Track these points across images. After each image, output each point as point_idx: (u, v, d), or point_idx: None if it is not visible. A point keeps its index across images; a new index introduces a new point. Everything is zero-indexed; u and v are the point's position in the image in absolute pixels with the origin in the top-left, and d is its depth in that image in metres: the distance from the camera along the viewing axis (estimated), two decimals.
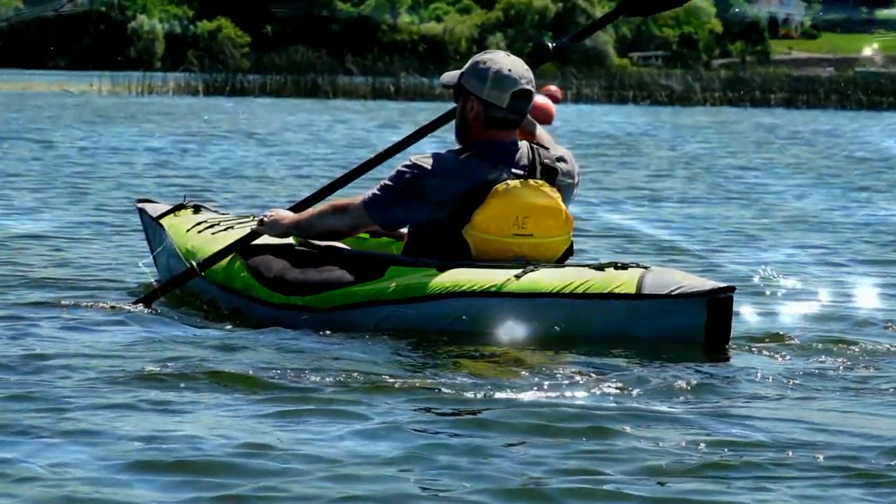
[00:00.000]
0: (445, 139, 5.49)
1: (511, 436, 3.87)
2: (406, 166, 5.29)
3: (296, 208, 5.67)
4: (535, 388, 4.42)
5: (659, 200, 11.67)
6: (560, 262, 5.30)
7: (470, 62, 5.36)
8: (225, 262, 5.62)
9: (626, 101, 38.98)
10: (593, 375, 4.60)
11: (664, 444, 3.78)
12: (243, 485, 3.39)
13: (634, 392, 4.39)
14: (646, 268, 5.09)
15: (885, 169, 16.29)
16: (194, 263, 5.66)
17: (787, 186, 13.44)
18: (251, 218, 6.02)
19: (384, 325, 5.20)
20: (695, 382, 4.55)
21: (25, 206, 9.99)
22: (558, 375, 4.60)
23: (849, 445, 3.82)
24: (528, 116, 5.35)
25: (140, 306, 5.67)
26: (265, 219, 5.60)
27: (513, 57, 5.34)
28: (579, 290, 5.01)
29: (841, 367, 4.88)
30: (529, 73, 5.31)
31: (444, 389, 4.37)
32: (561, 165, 5.37)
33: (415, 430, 3.90)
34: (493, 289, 5.06)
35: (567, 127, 24.12)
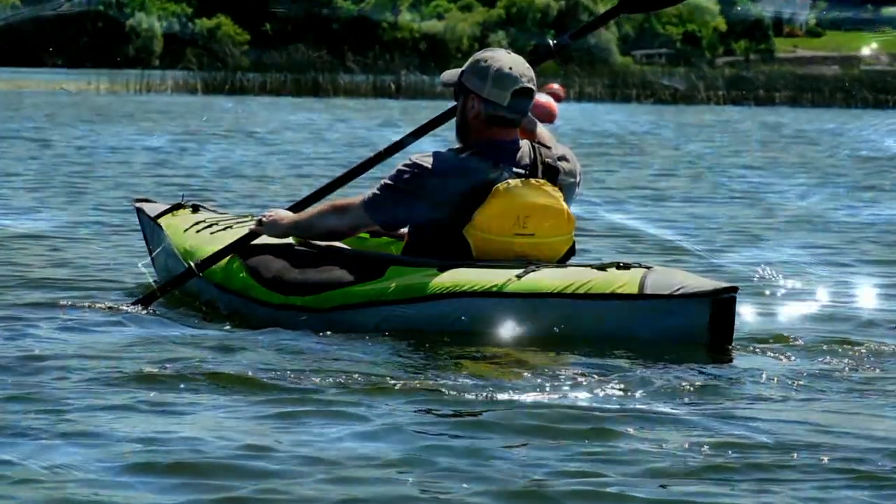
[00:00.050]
0: (447, 138, 5.49)
1: (512, 437, 3.88)
2: (406, 165, 5.29)
3: (295, 208, 5.68)
4: (537, 388, 4.43)
5: (662, 200, 11.67)
6: (562, 261, 5.30)
7: (470, 60, 5.36)
8: (223, 262, 5.62)
9: (629, 100, 38.96)
10: (595, 376, 4.61)
11: (667, 446, 3.78)
12: (243, 486, 3.39)
13: (637, 393, 4.39)
14: (648, 268, 5.09)
15: (891, 168, 16.28)
16: (192, 264, 5.66)
17: (792, 186, 13.44)
18: (250, 218, 6.02)
19: (384, 325, 5.20)
20: (698, 383, 4.56)
21: (23, 205, 9.99)
22: (560, 376, 4.61)
23: (854, 447, 3.82)
24: (529, 115, 5.36)
25: (138, 307, 5.68)
26: (264, 219, 5.60)
27: (513, 55, 5.34)
28: (581, 291, 5.01)
29: (845, 368, 4.87)
30: (530, 72, 5.32)
31: (444, 390, 4.38)
32: (563, 164, 5.38)
33: (415, 431, 3.90)
34: (494, 289, 5.06)
35: (569, 126, 24.11)
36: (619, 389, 4.43)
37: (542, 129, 5.44)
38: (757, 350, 5.14)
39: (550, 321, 5.04)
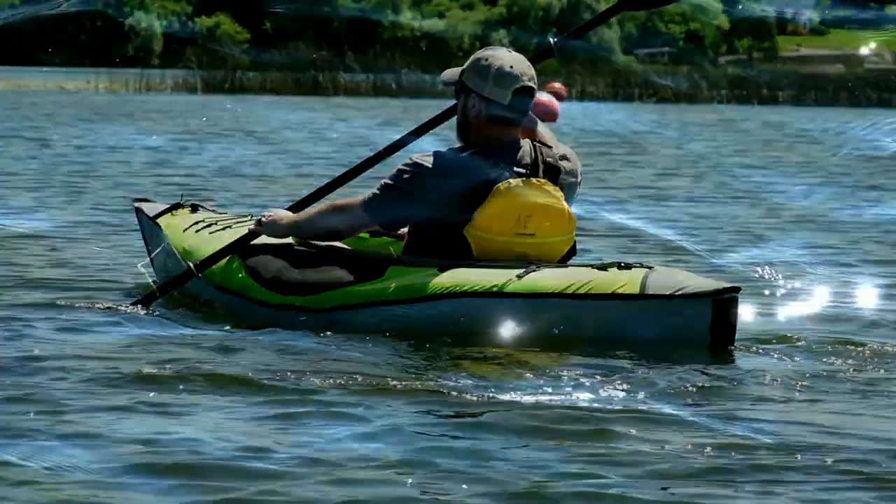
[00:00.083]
0: (447, 137, 5.49)
1: (513, 438, 3.88)
2: (406, 165, 5.30)
3: (294, 208, 5.68)
4: (538, 389, 4.43)
5: (664, 199, 11.67)
6: (563, 262, 5.31)
7: (471, 59, 5.36)
8: (223, 262, 5.63)
9: (631, 99, 38.93)
10: (596, 377, 4.61)
11: (669, 447, 3.78)
12: (242, 488, 3.39)
13: (638, 394, 4.39)
14: (650, 268, 5.09)
15: (895, 167, 16.27)
16: (191, 265, 5.66)
17: (795, 185, 13.43)
18: (249, 217, 6.02)
19: (384, 325, 5.20)
20: (699, 384, 4.56)
21: (22, 205, 10.00)
22: (561, 377, 4.61)
23: (858, 448, 3.82)
24: (530, 113, 5.36)
25: (138, 307, 5.68)
26: (263, 219, 5.61)
27: (514, 53, 5.34)
28: (582, 291, 5.02)
29: (849, 369, 4.87)
30: (531, 70, 5.32)
31: (445, 391, 4.38)
32: (564, 164, 5.38)
33: (416, 432, 3.90)
34: (494, 289, 5.06)
35: (572, 125, 24.10)
36: (621, 390, 4.43)
37: (542, 128, 5.44)
38: (759, 350, 5.14)
39: (551, 321, 5.04)
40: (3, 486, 3.37)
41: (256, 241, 5.61)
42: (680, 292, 4.96)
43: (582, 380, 4.56)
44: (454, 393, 4.36)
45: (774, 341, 5.30)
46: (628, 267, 5.07)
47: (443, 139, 6.22)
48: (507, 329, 5.07)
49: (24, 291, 6.17)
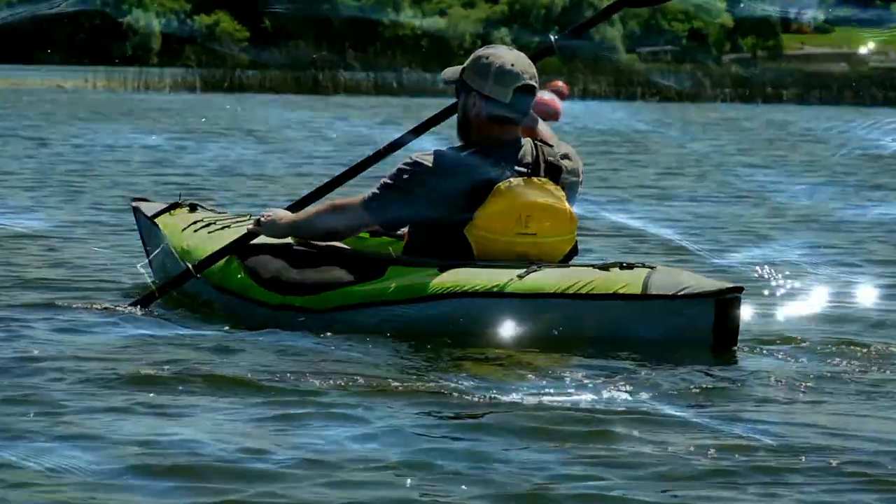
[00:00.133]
0: (448, 136, 5.49)
1: (514, 439, 3.88)
2: (406, 164, 5.30)
3: (293, 207, 5.68)
4: (539, 390, 4.43)
5: (667, 199, 11.67)
6: (564, 261, 5.31)
7: (472, 57, 5.35)
8: (222, 262, 5.63)
9: (634, 98, 38.93)
10: (598, 378, 4.61)
11: (672, 449, 3.78)
12: (241, 489, 3.40)
13: (641, 395, 4.39)
14: (652, 268, 5.09)
15: None
16: (190, 265, 5.67)
17: (799, 185, 13.43)
18: (248, 217, 6.02)
19: (384, 326, 5.20)
20: (702, 385, 4.56)
21: (19, 204, 10.00)
22: (562, 378, 4.61)
23: (862, 450, 3.82)
24: (531, 112, 5.36)
25: (136, 308, 5.68)
26: (262, 219, 5.61)
27: (515, 51, 5.34)
28: (583, 291, 5.02)
29: (853, 370, 4.87)
30: (532, 68, 5.32)
31: (445, 392, 4.38)
32: (565, 163, 5.38)
33: (416, 433, 3.90)
34: (495, 289, 5.06)
35: (574, 124, 24.09)
36: (623, 391, 4.43)
37: (543, 127, 5.44)
38: (763, 351, 5.14)
39: (552, 322, 5.04)
40: (0, 488, 3.37)
41: (255, 241, 5.62)
42: (682, 292, 4.96)
43: (583, 381, 4.56)
44: (455, 394, 4.36)
45: (778, 342, 5.30)
46: (630, 267, 5.07)
47: (443, 138, 6.22)
48: (508, 329, 5.07)
49: (21, 292, 6.17)
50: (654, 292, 4.97)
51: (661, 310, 4.97)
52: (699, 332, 4.99)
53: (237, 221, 5.98)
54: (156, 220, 6.20)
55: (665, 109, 33.68)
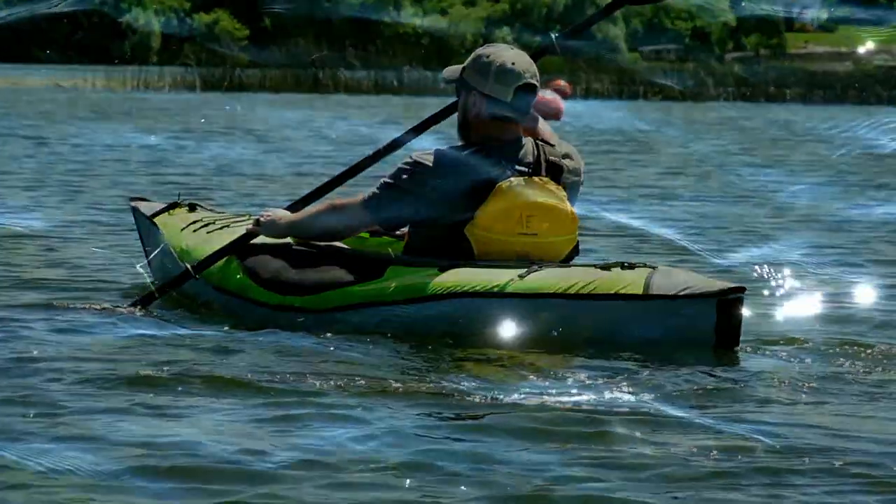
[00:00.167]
0: (449, 135, 5.49)
1: (515, 440, 3.88)
2: (407, 163, 5.30)
3: (293, 207, 5.68)
4: (540, 391, 4.43)
5: (669, 199, 11.66)
6: (565, 261, 5.31)
7: (472, 56, 5.35)
8: (221, 262, 5.63)
9: (636, 97, 38.92)
10: (599, 378, 4.61)
11: (674, 450, 3.78)
12: (241, 491, 3.40)
13: (642, 396, 4.39)
14: (653, 268, 5.09)
15: None
16: (189, 266, 5.67)
17: (803, 184, 13.42)
18: (247, 217, 6.03)
19: (384, 326, 5.21)
20: (704, 386, 4.56)
21: (18, 204, 10.00)
22: (563, 378, 4.61)
23: (866, 451, 3.82)
24: (532, 111, 5.36)
25: (135, 308, 5.68)
26: (261, 219, 5.61)
27: (516, 50, 5.34)
28: (585, 291, 5.02)
29: (857, 371, 4.86)
30: (533, 67, 5.32)
31: (446, 393, 4.39)
32: (567, 162, 5.38)
33: (416, 434, 3.91)
34: (496, 289, 5.06)
35: (576, 123, 24.09)
36: (624, 392, 4.43)
37: (544, 126, 5.44)
38: (765, 352, 5.14)
39: (553, 322, 5.04)
40: None
41: (255, 241, 5.62)
42: (684, 293, 4.96)
43: (584, 381, 4.57)
44: (455, 395, 4.37)
45: (780, 342, 5.30)
46: (632, 267, 5.07)
47: (443, 137, 6.22)
48: (509, 330, 5.07)
49: (20, 292, 6.18)
50: (655, 292, 4.97)
51: (662, 310, 4.97)
52: (701, 332, 4.99)
53: (236, 221, 5.99)
54: (154, 219, 6.20)
55: (668, 108, 33.67)
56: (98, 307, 5.74)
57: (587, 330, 5.04)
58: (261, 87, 37.00)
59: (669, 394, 4.43)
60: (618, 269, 5.06)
